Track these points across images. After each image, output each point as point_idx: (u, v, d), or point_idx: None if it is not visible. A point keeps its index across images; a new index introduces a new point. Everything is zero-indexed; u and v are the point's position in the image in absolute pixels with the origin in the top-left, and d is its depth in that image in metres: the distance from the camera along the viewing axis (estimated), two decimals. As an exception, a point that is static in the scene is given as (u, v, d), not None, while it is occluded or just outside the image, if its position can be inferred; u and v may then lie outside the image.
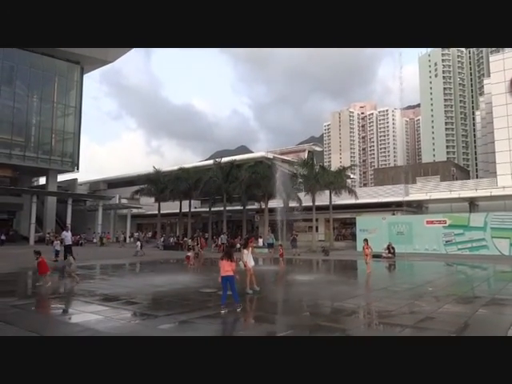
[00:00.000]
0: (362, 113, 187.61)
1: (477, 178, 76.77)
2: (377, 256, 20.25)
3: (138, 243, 27.65)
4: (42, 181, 52.68)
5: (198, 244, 22.63)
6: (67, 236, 21.27)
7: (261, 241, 30.89)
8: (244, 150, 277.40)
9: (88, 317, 7.10)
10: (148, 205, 49.14)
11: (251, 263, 9.81)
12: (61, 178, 51.08)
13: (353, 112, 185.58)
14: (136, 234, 41.76)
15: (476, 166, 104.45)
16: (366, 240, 15.31)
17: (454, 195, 35.20)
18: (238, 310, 7.51)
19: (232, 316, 7.22)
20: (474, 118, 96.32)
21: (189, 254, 17.79)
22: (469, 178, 68.72)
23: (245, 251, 9.79)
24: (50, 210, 45.47)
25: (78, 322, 6.81)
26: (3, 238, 37.79)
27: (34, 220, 39.63)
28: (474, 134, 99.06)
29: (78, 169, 48.60)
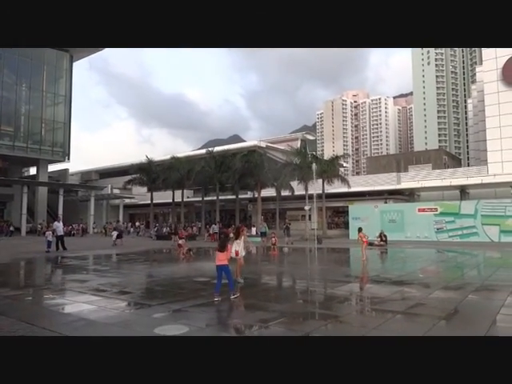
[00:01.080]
0: (355, 101, 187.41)
1: (468, 166, 77.47)
2: (369, 244, 20.43)
3: (114, 233, 27.08)
4: (33, 171, 52.15)
5: (176, 234, 22.85)
6: (59, 226, 21.21)
7: (254, 229, 30.99)
8: (237, 139, 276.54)
9: (81, 307, 7.10)
10: (140, 194, 48.98)
11: (242, 253, 9.74)
12: (52, 168, 50.64)
13: (345, 100, 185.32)
14: (117, 223, 39.03)
15: (467, 154, 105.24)
16: (360, 229, 15.41)
17: (446, 183, 35.48)
18: (233, 297, 7.58)
19: (225, 304, 7.26)
20: (465, 106, 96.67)
21: (180, 242, 17.81)
22: (460, 166, 69.24)
23: (236, 240, 9.78)
24: (42, 200, 45.14)
25: (71, 312, 6.81)
26: (12, 229, 37.79)
27: (25, 211, 39.36)
28: (466, 123, 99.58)
29: (69, 159, 48.17)
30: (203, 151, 43.36)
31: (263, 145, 45.19)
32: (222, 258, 7.68)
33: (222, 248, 7.78)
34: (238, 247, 9.48)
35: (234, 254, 9.43)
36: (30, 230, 39.99)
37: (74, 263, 15.57)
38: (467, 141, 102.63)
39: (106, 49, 50.33)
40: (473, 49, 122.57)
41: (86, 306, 7.15)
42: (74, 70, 48.84)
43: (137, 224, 48.44)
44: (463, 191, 35.21)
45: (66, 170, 54.00)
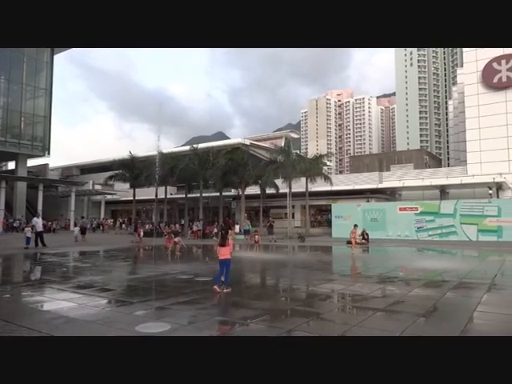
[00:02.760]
0: (339, 100, 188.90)
1: (448, 166, 78.95)
2: (350, 242, 20.68)
3: (76, 229, 26.80)
4: (12, 165, 50.87)
5: (135, 231, 23.88)
6: (38, 222, 20.75)
7: (237, 227, 30.99)
8: (221, 136, 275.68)
9: (60, 304, 6.99)
10: (123, 191, 48.33)
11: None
12: (31, 162, 49.47)
13: (330, 99, 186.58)
14: (82, 220, 33.88)
15: (448, 154, 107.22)
16: (355, 225, 16.33)
17: (426, 183, 36.13)
18: (226, 290, 7.91)
19: (208, 302, 7.26)
20: (446, 108, 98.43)
21: (176, 239, 17.47)
22: (441, 166, 70.60)
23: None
24: (20, 195, 44.07)
25: (50, 310, 6.70)
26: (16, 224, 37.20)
27: (2, 206, 38.38)
28: (447, 123, 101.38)
29: (49, 153, 47.06)
30: (187, 148, 43.01)
31: (247, 142, 45.10)
32: (224, 253, 8.08)
33: (224, 242, 8.14)
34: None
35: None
36: (9, 226, 39.05)
37: (53, 260, 15.29)
38: (448, 141, 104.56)
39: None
40: (454, 51, 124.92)
41: (65, 303, 7.03)
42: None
43: (119, 220, 47.86)
44: (443, 191, 35.93)
45: (45, 165, 52.81)
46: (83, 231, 26.75)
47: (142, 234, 25.52)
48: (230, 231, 9.93)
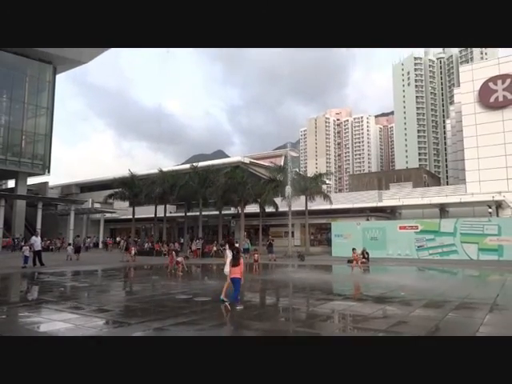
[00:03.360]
0: (338, 119, 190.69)
1: (447, 184, 79.08)
2: (351, 261, 20.54)
3: (69, 248, 27.08)
4: (11, 184, 50.92)
5: (127, 250, 27.06)
6: (36, 241, 20.62)
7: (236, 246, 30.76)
8: (221, 154, 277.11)
9: (57, 325, 6.89)
10: (122, 209, 48.23)
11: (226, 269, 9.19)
12: (31, 180, 49.54)
13: (328, 118, 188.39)
14: (76, 238, 33.60)
15: (446, 172, 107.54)
16: (353, 249, 18.91)
17: (426, 201, 36.15)
18: (238, 307, 8.24)
19: (207, 323, 7.15)
20: (444, 127, 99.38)
21: (178, 259, 17.31)
22: (440, 185, 70.73)
23: (228, 254, 9.26)
24: (19, 214, 43.98)
25: (47, 331, 6.59)
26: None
27: (1, 224, 38.24)
28: (445, 142, 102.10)
29: (49, 172, 47.17)
30: (187, 166, 43.20)
31: (247, 161, 45.35)
32: (236, 272, 8.49)
33: (237, 263, 8.53)
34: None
35: (226, 270, 9.09)
36: (7, 244, 38.83)
37: (51, 279, 15.14)
38: (446, 160, 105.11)
39: (89, 62, 49.88)
40: (451, 71, 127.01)
41: (62, 324, 6.93)
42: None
43: (117, 239, 47.60)
44: (443, 209, 35.91)
45: (45, 183, 52.88)
46: (77, 250, 26.79)
47: (133, 252, 25.78)
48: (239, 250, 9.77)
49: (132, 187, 39.32)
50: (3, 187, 53.81)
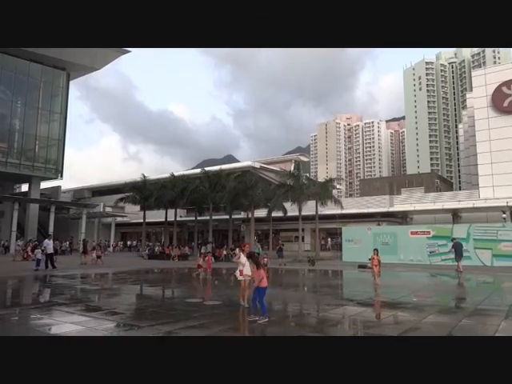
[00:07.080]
0: (349, 124, 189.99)
1: (460, 189, 78.19)
2: (362, 266, 20.34)
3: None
4: (25, 187, 51.69)
5: (84, 252, 25.66)
6: (49, 244, 20.82)
7: (247, 250, 30.70)
8: (230, 159, 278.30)
9: (69, 327, 6.92)
10: (133, 213, 48.63)
11: (248, 272, 9.00)
12: (44, 185, 50.22)
13: (339, 123, 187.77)
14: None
15: (459, 177, 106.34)
16: (376, 250, 14.84)
17: (438, 206, 35.72)
18: (262, 321, 7.40)
19: (217, 327, 7.12)
20: (456, 131, 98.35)
21: (200, 262, 17.93)
22: (452, 190, 69.93)
23: (242, 258, 9.13)
24: (32, 217, 44.56)
25: (58, 333, 6.63)
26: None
27: (15, 228, 38.77)
28: (457, 147, 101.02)
29: (61, 176, 47.79)
30: (198, 170, 43.42)
31: (257, 165, 45.40)
32: (261, 277, 7.73)
33: (259, 266, 7.94)
34: (241, 266, 9.09)
35: (237, 274, 9.09)
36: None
37: (62, 282, 15.27)
38: (459, 165, 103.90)
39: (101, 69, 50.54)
40: (463, 75, 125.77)
41: (74, 326, 6.97)
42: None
43: (128, 243, 47.95)
44: (455, 215, 35.44)
45: (58, 187, 53.58)
46: (85, 251, 26.25)
47: (94, 254, 25.31)
48: (243, 252, 9.55)
49: (143, 191, 39.63)
50: (17, 191, 54.60)
